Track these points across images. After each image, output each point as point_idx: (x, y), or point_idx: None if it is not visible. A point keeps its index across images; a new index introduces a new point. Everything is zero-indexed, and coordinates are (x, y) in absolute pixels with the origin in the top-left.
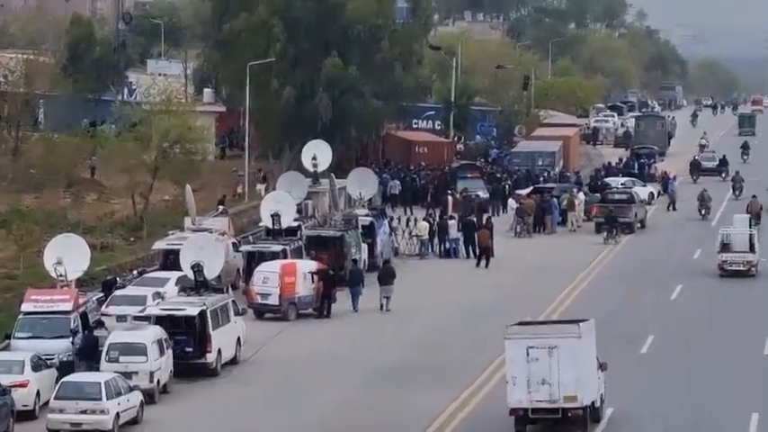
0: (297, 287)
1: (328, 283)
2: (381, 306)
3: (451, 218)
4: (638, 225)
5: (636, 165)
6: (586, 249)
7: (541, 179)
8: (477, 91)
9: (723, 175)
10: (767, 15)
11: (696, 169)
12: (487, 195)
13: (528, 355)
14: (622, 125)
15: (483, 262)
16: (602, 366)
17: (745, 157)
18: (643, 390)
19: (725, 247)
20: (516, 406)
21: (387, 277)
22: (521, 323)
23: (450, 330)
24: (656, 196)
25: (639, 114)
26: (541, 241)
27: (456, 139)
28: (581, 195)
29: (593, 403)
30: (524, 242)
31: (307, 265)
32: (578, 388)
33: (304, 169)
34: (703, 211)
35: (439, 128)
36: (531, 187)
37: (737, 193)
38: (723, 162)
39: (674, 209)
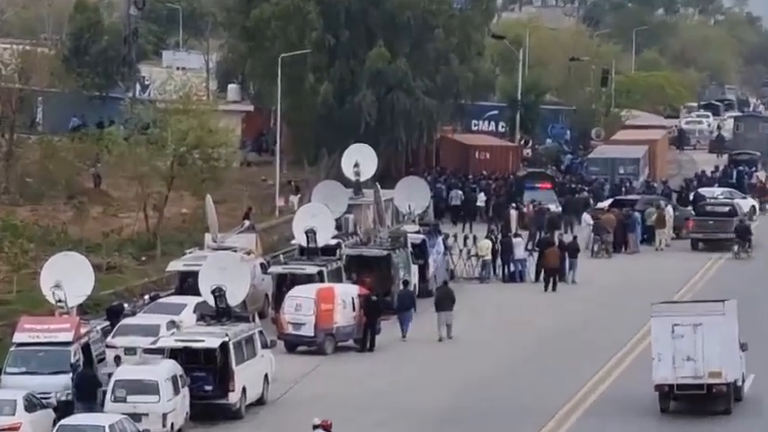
0: (335, 315)
1: (372, 311)
2: (441, 337)
3: (517, 235)
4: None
5: (734, 173)
6: (677, 271)
7: (623, 190)
8: (548, 87)
9: None
10: None
11: None
12: (559, 209)
13: (673, 332)
14: (719, 127)
15: (551, 286)
16: (743, 347)
17: None
18: None
19: None
20: (661, 382)
21: (446, 301)
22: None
23: (515, 369)
24: (757, 210)
25: (739, 115)
26: (623, 262)
27: (523, 143)
28: (669, 209)
29: (735, 381)
30: (602, 263)
31: (347, 290)
32: (722, 364)
33: (344, 178)
34: None
35: (503, 130)
36: (611, 200)
37: None
38: None
39: None
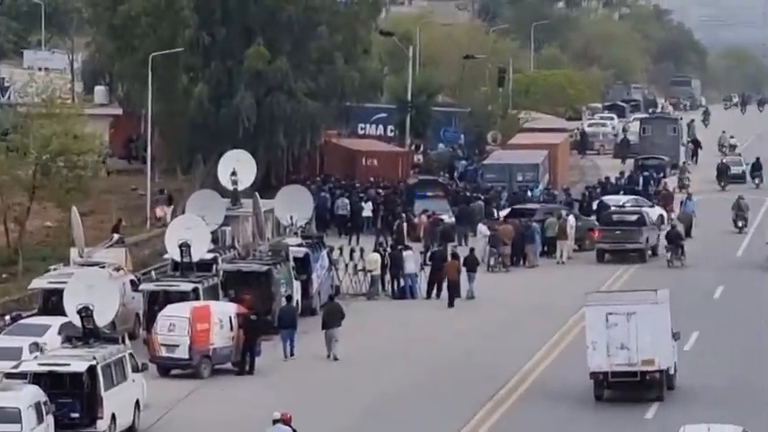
0: (212, 336)
1: (252, 331)
2: (329, 355)
3: (407, 248)
4: (650, 252)
5: (641, 180)
6: (580, 286)
7: (521, 198)
8: (441, 88)
9: (757, 181)
10: None
11: (723, 174)
12: (453, 219)
13: (607, 321)
14: (624, 130)
15: (448, 300)
16: (675, 336)
17: None
18: None
19: None
20: (596, 370)
21: (333, 317)
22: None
23: (407, 393)
24: (665, 219)
25: (646, 116)
26: (521, 277)
27: (414, 148)
28: (571, 219)
29: (667, 369)
30: (500, 278)
31: (224, 309)
32: (655, 352)
33: (221, 187)
34: (740, 223)
35: (392, 134)
36: (509, 209)
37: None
38: (756, 166)
39: (689, 235)
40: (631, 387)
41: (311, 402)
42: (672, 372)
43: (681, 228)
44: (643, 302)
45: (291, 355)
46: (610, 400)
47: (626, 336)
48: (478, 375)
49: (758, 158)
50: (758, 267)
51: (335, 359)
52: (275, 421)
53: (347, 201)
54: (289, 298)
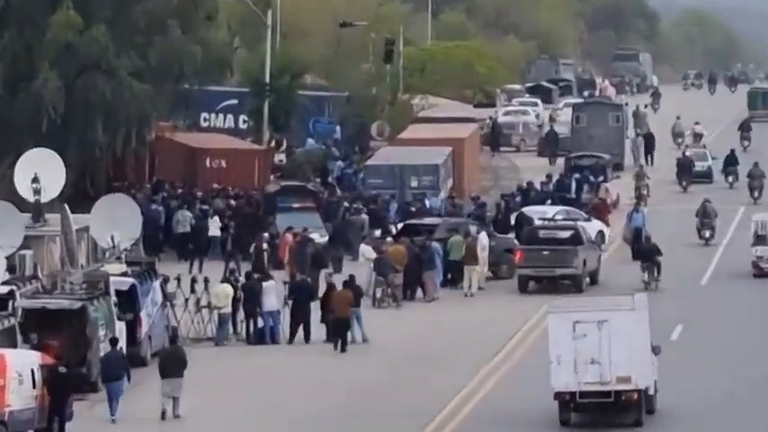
0: (7, 395)
1: (60, 388)
2: (163, 412)
3: (268, 277)
4: (588, 280)
5: (573, 185)
6: (495, 326)
7: (413, 209)
8: (309, 66)
9: (731, 179)
10: None
11: (686, 172)
12: (325, 238)
13: (574, 330)
14: (552, 119)
15: (340, 343)
16: (655, 350)
17: (746, 143)
18: None
19: (760, 239)
20: (562, 390)
21: (173, 365)
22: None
23: None
24: (606, 237)
25: (580, 101)
26: (417, 314)
27: (274, 144)
28: (483, 237)
29: (647, 388)
30: (388, 316)
31: (24, 359)
32: (632, 368)
33: (19, 198)
34: (707, 234)
35: (245, 126)
36: (401, 224)
37: (757, 194)
38: (731, 160)
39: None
40: (604, 409)
41: None
42: (651, 392)
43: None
44: (617, 309)
45: (113, 415)
46: (578, 426)
47: (597, 349)
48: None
49: (733, 151)
50: (725, 295)
51: (176, 417)
52: None
53: (188, 214)
54: (114, 341)
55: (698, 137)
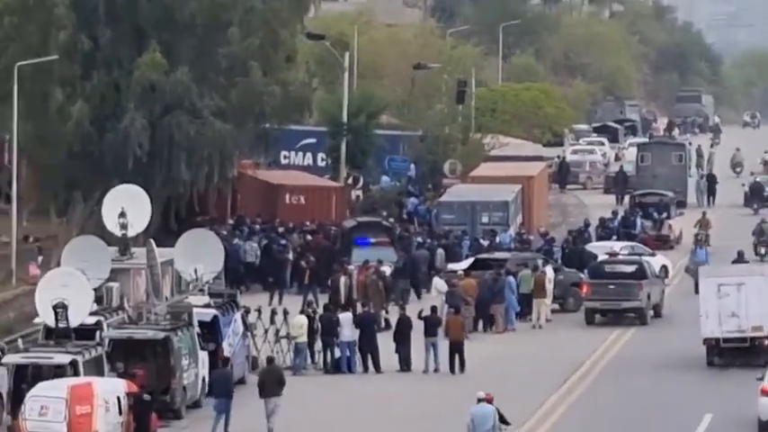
0: (95, 422)
1: (145, 415)
2: (270, 429)
3: (345, 309)
4: (652, 312)
5: (638, 222)
6: (562, 357)
7: (484, 244)
8: (385, 106)
9: None
10: None
11: (758, 196)
12: (387, 269)
13: (719, 291)
14: (618, 158)
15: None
16: None
17: None
18: None
19: None
20: (709, 336)
21: (272, 384)
22: None
23: None
24: (670, 271)
25: (645, 141)
26: (489, 345)
27: (351, 181)
28: (549, 270)
29: None
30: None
31: (111, 387)
32: (764, 320)
33: (107, 233)
34: (762, 250)
35: (324, 164)
36: (472, 259)
37: None
38: None
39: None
40: (741, 353)
41: None
42: None
43: None
44: (752, 274)
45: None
46: (723, 366)
47: (736, 305)
48: None
49: None
50: None
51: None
52: (479, 400)
53: (255, 245)
54: (227, 360)
55: (767, 164)
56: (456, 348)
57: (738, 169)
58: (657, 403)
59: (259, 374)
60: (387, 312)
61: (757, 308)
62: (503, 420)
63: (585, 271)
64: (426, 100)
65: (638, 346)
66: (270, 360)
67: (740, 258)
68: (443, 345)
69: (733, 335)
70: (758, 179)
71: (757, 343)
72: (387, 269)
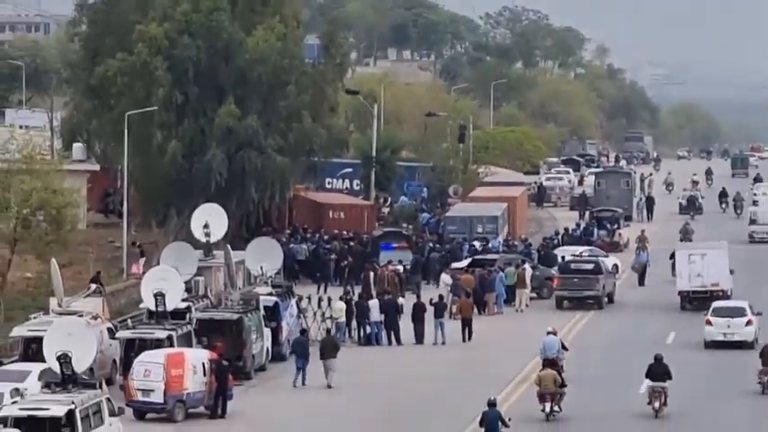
0: (185, 381)
1: (223, 377)
2: (328, 384)
3: (372, 297)
4: (606, 299)
5: (596, 232)
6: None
7: (479, 248)
8: (404, 144)
9: (723, 206)
10: (754, 51)
11: (692, 206)
12: (401, 267)
13: (689, 259)
14: (580, 183)
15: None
16: (731, 272)
17: (710, 182)
18: None
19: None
20: (682, 289)
21: (330, 349)
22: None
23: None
24: (619, 269)
25: (601, 170)
26: (483, 324)
27: (382, 201)
28: (528, 268)
29: (728, 290)
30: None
31: (197, 355)
32: (719, 279)
33: (194, 239)
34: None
35: (358, 188)
36: (470, 258)
37: (739, 211)
38: (723, 194)
39: (642, 284)
40: (703, 301)
41: None
42: (729, 293)
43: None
44: (711, 248)
45: (303, 384)
46: (690, 310)
47: (700, 268)
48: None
49: (724, 188)
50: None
51: (329, 387)
52: (548, 333)
53: (304, 247)
54: (304, 331)
55: (695, 184)
56: (466, 323)
57: (670, 188)
58: (629, 336)
59: (320, 342)
60: (404, 298)
61: (714, 271)
62: (564, 347)
63: (556, 268)
64: (435, 140)
65: (597, 324)
66: (328, 331)
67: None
68: (449, 324)
69: (698, 288)
70: (691, 193)
71: (714, 294)
72: (400, 267)
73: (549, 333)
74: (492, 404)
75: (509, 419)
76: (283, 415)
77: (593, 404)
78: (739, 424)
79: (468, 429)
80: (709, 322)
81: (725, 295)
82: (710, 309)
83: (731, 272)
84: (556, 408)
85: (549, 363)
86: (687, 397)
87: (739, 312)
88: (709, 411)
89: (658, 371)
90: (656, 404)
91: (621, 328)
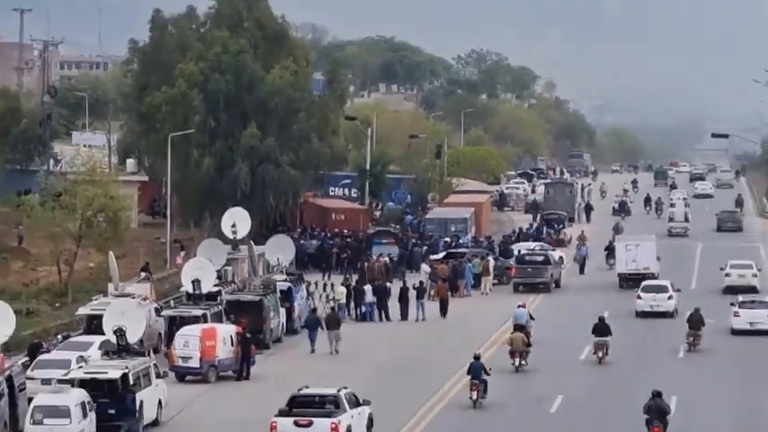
0: (217, 350)
1: (247, 347)
2: (332, 351)
3: (366, 283)
4: (554, 285)
5: (545, 230)
6: (500, 311)
7: (452, 244)
8: (392, 159)
9: (647, 209)
10: (672, 83)
11: (623, 209)
12: (387, 259)
13: (626, 248)
14: (532, 192)
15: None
16: (658, 258)
17: (636, 190)
18: None
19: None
20: (621, 272)
21: (334, 323)
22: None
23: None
24: (564, 260)
25: (549, 181)
26: (455, 304)
27: (375, 206)
28: (491, 260)
29: (657, 273)
30: (436, 305)
31: (227, 329)
32: (649, 264)
33: (224, 236)
34: (617, 234)
35: (355, 195)
36: (445, 252)
37: (659, 213)
38: (647, 199)
39: (582, 272)
40: (636, 281)
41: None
42: (656, 275)
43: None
44: (643, 240)
45: (313, 351)
46: (625, 289)
47: (635, 255)
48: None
49: (648, 194)
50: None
51: (337, 352)
52: (519, 306)
53: (314, 243)
54: (315, 309)
55: (626, 191)
56: (442, 303)
57: (604, 195)
58: (574, 311)
59: (325, 318)
60: (392, 284)
61: (646, 257)
62: (531, 317)
63: (513, 260)
64: (417, 156)
65: (547, 303)
66: (332, 309)
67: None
68: (428, 304)
69: (633, 271)
70: (622, 199)
71: (645, 275)
72: (387, 259)
73: (519, 306)
74: (477, 357)
75: (490, 369)
76: (297, 377)
77: (552, 359)
78: (668, 370)
79: (452, 378)
80: (639, 297)
81: (653, 276)
82: (641, 287)
83: (658, 258)
84: (523, 362)
85: (519, 328)
86: (624, 351)
87: (663, 289)
88: (642, 362)
89: (601, 328)
90: (600, 354)
91: (568, 306)
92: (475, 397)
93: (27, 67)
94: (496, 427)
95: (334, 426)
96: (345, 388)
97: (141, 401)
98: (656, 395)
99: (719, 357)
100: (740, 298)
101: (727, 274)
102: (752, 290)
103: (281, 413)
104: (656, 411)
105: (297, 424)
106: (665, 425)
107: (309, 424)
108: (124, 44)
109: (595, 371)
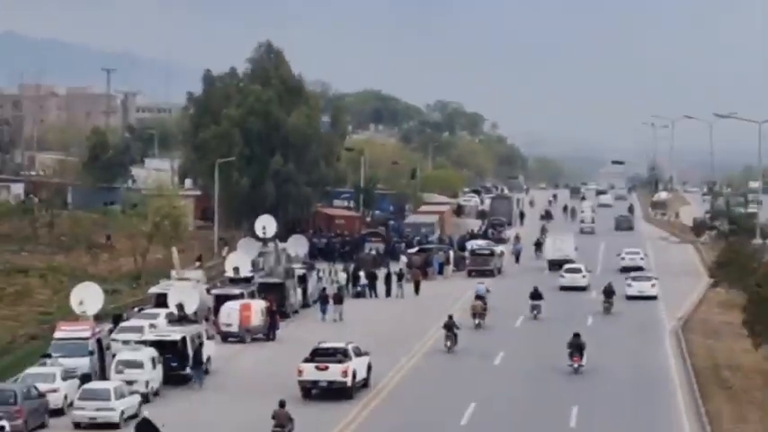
0: (252, 319)
1: (273, 317)
2: (334, 319)
3: (361, 270)
4: (498, 271)
5: (491, 231)
6: (458, 290)
7: (423, 242)
8: (379, 180)
9: (565, 215)
10: (583, 123)
11: (548, 216)
12: (373, 254)
13: (554, 241)
14: (482, 204)
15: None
16: (576, 249)
17: (557, 202)
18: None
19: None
20: (548, 258)
21: (338, 299)
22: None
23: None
24: (505, 253)
25: (494, 196)
26: (426, 285)
27: (367, 214)
28: (451, 253)
29: (574, 258)
30: (411, 287)
31: (259, 304)
32: (569, 252)
33: (256, 236)
34: (543, 238)
35: (352, 206)
36: (418, 247)
37: (572, 218)
38: (565, 208)
39: (518, 262)
40: (561, 264)
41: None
42: (575, 260)
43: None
44: (566, 233)
45: (323, 320)
46: (553, 270)
47: (560, 245)
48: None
49: (565, 205)
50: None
51: (341, 320)
52: (479, 283)
53: (323, 240)
54: (341, 288)
55: (549, 203)
56: (416, 285)
57: (533, 205)
58: (513, 288)
59: (332, 295)
60: (379, 271)
61: (567, 247)
62: (488, 291)
63: (467, 252)
64: (398, 176)
65: (494, 284)
66: (339, 288)
67: (542, 233)
68: (406, 285)
69: (558, 258)
70: (547, 209)
71: (566, 261)
72: (375, 253)
73: (479, 283)
74: (450, 317)
75: (459, 326)
76: (311, 338)
77: (501, 320)
78: (585, 324)
79: (429, 333)
80: (562, 276)
81: (572, 261)
82: (563, 269)
83: (576, 248)
84: (482, 321)
85: (479, 297)
86: (553, 313)
87: (578, 270)
88: (566, 320)
89: (536, 293)
90: (535, 312)
91: (508, 285)
92: (449, 344)
93: (112, 111)
94: (465, 368)
95: (344, 370)
96: (351, 343)
97: (209, 356)
98: (576, 336)
99: (620, 315)
100: (632, 274)
101: (622, 258)
102: (639, 269)
103: (306, 360)
104: (576, 346)
105: (317, 368)
106: (582, 356)
107: (326, 368)
108: (184, 95)
109: (531, 325)
